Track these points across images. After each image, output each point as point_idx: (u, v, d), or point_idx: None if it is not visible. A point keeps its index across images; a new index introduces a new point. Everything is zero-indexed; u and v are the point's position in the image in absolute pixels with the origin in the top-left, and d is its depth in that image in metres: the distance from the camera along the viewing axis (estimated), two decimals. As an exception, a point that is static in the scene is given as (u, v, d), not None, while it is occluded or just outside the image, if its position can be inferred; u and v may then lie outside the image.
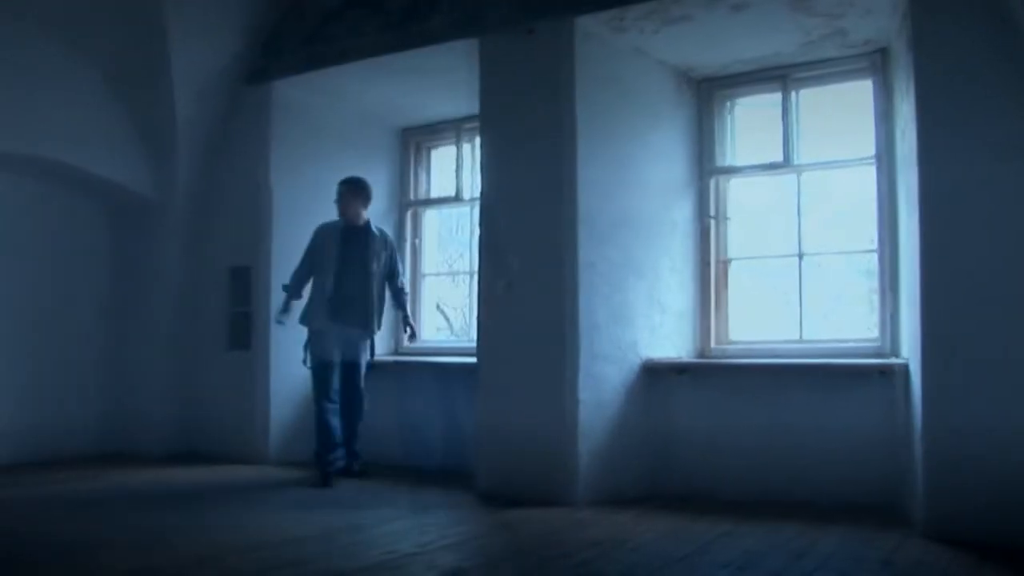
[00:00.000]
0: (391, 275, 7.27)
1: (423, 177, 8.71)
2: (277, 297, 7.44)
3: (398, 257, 7.41)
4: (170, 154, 7.95)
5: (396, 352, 8.45)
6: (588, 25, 6.17)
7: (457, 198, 8.29)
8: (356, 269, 7.08)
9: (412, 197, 8.64)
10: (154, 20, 7.32)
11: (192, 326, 8.17)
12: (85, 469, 7.33)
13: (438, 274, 8.70)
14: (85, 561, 4.47)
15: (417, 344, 8.38)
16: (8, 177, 7.64)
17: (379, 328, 7.20)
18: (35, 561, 4.44)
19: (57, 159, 7.54)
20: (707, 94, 6.99)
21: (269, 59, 7.89)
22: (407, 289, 7.50)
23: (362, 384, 7.13)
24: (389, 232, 7.49)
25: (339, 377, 6.98)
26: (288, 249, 7.57)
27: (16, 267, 7.73)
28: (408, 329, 7.46)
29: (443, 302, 8.65)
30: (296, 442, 7.54)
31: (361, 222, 7.18)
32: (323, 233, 7.13)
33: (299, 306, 7.09)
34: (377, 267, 7.12)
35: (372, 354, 7.23)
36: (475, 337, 6.64)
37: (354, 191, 7.16)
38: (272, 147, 7.84)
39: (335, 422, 6.92)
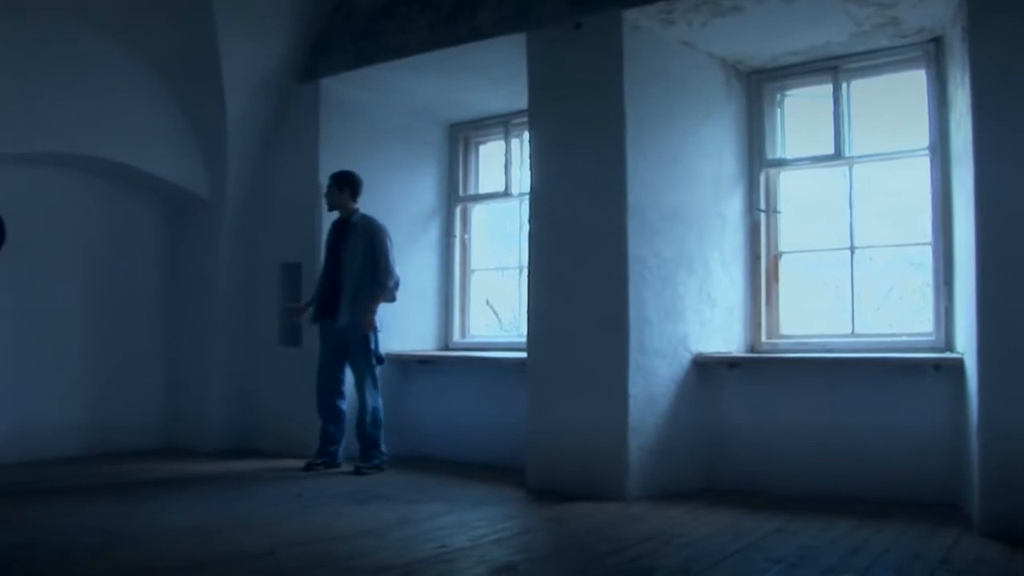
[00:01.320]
0: (373, 265, 7.16)
1: (472, 172, 8.73)
2: None
3: (380, 246, 7.16)
4: (222, 153, 8.06)
5: (445, 347, 8.49)
6: (636, 18, 6.15)
7: (506, 193, 8.30)
8: (335, 262, 7.23)
9: (461, 192, 8.67)
10: (205, 21, 7.41)
11: (245, 323, 8.27)
12: (143, 463, 7.45)
13: (487, 269, 8.71)
14: (140, 552, 4.53)
15: (466, 339, 8.44)
16: (69, 176, 7.81)
17: (350, 320, 7.06)
18: (92, 552, 4.51)
19: (115, 159, 7.70)
20: (757, 86, 6.94)
21: (319, 57, 7.95)
22: (385, 282, 7.12)
23: (364, 382, 7.12)
24: (381, 222, 7.32)
25: (343, 371, 7.25)
26: (338, 245, 7.69)
27: (79, 266, 7.91)
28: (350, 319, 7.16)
29: (492, 297, 8.66)
30: (347, 437, 7.59)
31: (348, 214, 7.27)
32: (329, 229, 7.38)
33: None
34: (351, 257, 7.13)
35: (370, 347, 7.13)
36: (524, 332, 6.65)
37: (337, 184, 7.28)
38: (322, 144, 7.89)
39: (324, 414, 7.23)
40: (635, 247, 6.09)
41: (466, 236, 8.64)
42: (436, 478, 6.80)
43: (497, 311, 8.62)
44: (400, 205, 8.19)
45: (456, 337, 8.53)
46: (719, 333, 6.60)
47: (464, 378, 7.80)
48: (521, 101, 6.86)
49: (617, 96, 6.13)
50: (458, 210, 8.65)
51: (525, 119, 7.04)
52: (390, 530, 5.04)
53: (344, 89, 7.92)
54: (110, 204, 8.15)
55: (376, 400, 7.15)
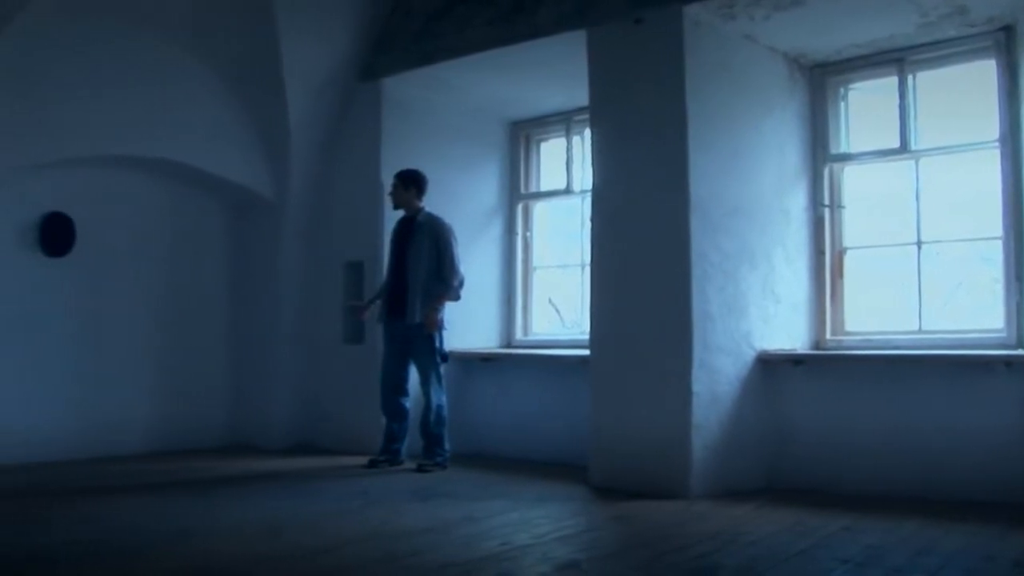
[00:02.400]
0: (438, 264, 7.19)
1: (533, 170, 8.74)
2: None
3: (446, 245, 7.19)
4: (285, 153, 8.15)
5: (508, 345, 8.50)
6: (697, 13, 6.10)
7: (567, 190, 8.29)
8: (401, 261, 7.25)
9: (523, 190, 8.68)
10: (268, 23, 7.50)
11: (310, 321, 8.36)
12: (208, 460, 7.57)
13: (549, 267, 8.71)
14: (207, 547, 4.60)
15: (529, 337, 8.44)
16: (136, 178, 7.97)
17: (418, 319, 7.07)
18: (161, 546, 4.59)
19: (181, 161, 7.85)
20: (820, 80, 6.85)
21: (379, 56, 8.01)
22: (451, 281, 7.15)
23: (429, 381, 7.14)
24: (447, 220, 7.35)
25: (407, 369, 7.28)
26: (401, 244, 7.76)
27: (146, 266, 8.06)
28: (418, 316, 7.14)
29: (554, 295, 8.65)
30: (410, 434, 7.64)
31: (414, 213, 7.29)
32: (394, 228, 7.41)
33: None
34: (417, 256, 7.15)
35: (435, 346, 7.16)
36: (587, 329, 6.64)
37: (402, 182, 7.30)
38: (384, 143, 7.94)
39: (388, 411, 7.29)
40: (698, 243, 6.05)
41: (528, 234, 8.65)
42: (499, 475, 6.82)
43: (559, 309, 8.62)
44: (462, 203, 8.21)
45: (519, 335, 8.54)
46: (783, 330, 6.54)
47: (526, 376, 7.81)
48: (582, 98, 6.84)
49: (678, 92, 6.09)
50: (520, 208, 8.66)
51: (586, 116, 7.03)
52: (453, 527, 5.06)
53: (405, 88, 7.96)
54: (176, 205, 8.30)
55: (440, 398, 7.18)
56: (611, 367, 6.35)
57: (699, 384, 5.98)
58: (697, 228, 6.05)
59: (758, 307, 6.39)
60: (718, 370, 6.11)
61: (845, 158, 6.82)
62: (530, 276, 8.63)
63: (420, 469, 7.01)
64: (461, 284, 7.24)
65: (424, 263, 7.15)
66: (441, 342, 7.19)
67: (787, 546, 4.56)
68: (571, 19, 6.68)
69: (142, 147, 7.58)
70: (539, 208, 8.72)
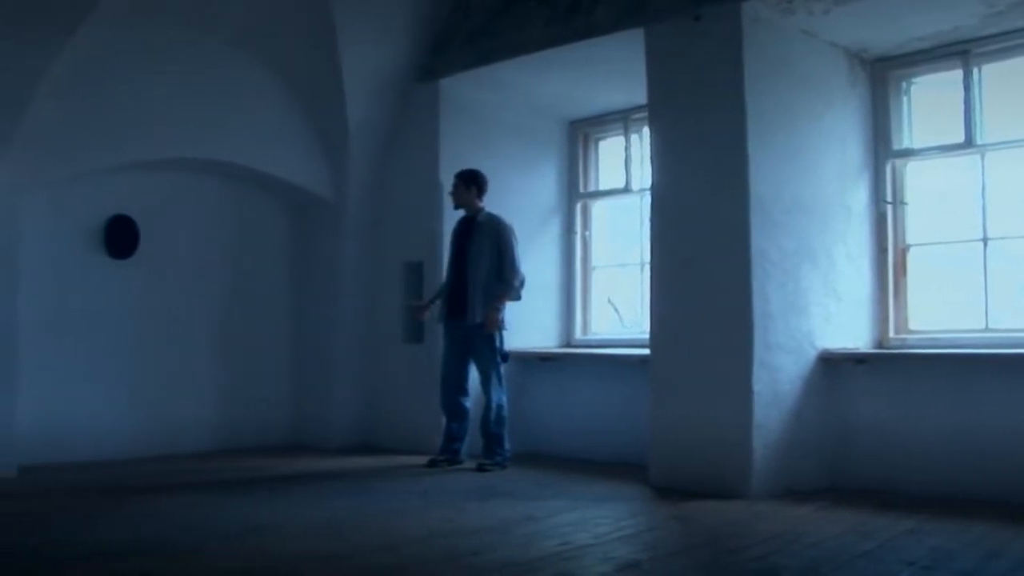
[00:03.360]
0: (499, 264, 7.19)
1: (592, 169, 8.72)
2: None
3: (506, 245, 7.20)
4: (345, 154, 8.23)
5: (567, 344, 8.50)
6: (755, 9, 6.05)
7: (626, 189, 8.26)
8: (461, 260, 7.27)
9: (581, 189, 8.66)
10: (326, 24, 7.59)
11: (370, 321, 8.42)
12: (270, 458, 7.66)
13: (608, 266, 8.69)
14: (269, 545, 4.66)
15: (588, 336, 8.43)
16: (198, 180, 8.11)
17: (479, 319, 7.10)
18: (225, 543, 4.66)
19: (241, 163, 7.97)
20: (881, 74, 6.76)
21: (437, 57, 8.05)
22: (512, 281, 7.16)
23: (490, 381, 7.16)
24: (508, 220, 7.35)
25: (467, 369, 7.30)
26: (459, 244, 7.80)
27: (208, 267, 8.20)
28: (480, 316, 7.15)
29: (613, 294, 8.63)
30: (470, 433, 7.66)
31: (474, 213, 7.31)
32: (454, 227, 7.42)
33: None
34: (479, 256, 7.16)
35: (495, 346, 7.18)
36: (646, 329, 6.61)
37: (463, 182, 7.32)
38: (442, 143, 7.99)
39: (448, 411, 7.30)
40: (758, 241, 6.00)
41: (587, 233, 8.64)
42: (558, 475, 6.81)
43: (618, 308, 8.59)
44: (521, 203, 8.23)
45: (578, 334, 8.54)
46: (845, 328, 6.46)
47: (586, 375, 7.80)
48: (640, 96, 6.82)
49: (737, 88, 6.04)
50: (579, 207, 8.65)
51: (645, 114, 7.01)
52: (513, 527, 5.07)
53: (463, 88, 7.99)
54: (237, 207, 8.42)
55: (501, 398, 7.19)
56: (671, 366, 6.32)
57: (760, 383, 5.93)
58: (757, 226, 6.00)
59: (819, 306, 6.33)
60: (779, 369, 6.05)
61: (908, 154, 6.72)
62: (589, 275, 8.62)
63: (480, 468, 7.03)
64: (522, 284, 7.25)
65: (485, 263, 7.17)
66: (501, 342, 7.20)
67: (850, 548, 4.51)
68: (629, 17, 6.66)
69: (204, 150, 7.71)
70: (598, 207, 8.70)
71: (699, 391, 6.13)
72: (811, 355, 6.25)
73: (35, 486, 6.31)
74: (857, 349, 6.44)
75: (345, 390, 8.36)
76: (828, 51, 6.51)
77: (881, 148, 6.74)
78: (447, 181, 7.68)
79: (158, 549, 4.56)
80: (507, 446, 7.21)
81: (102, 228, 7.59)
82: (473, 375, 7.34)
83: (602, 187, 8.66)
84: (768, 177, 6.08)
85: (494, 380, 7.17)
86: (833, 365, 6.32)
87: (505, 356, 7.24)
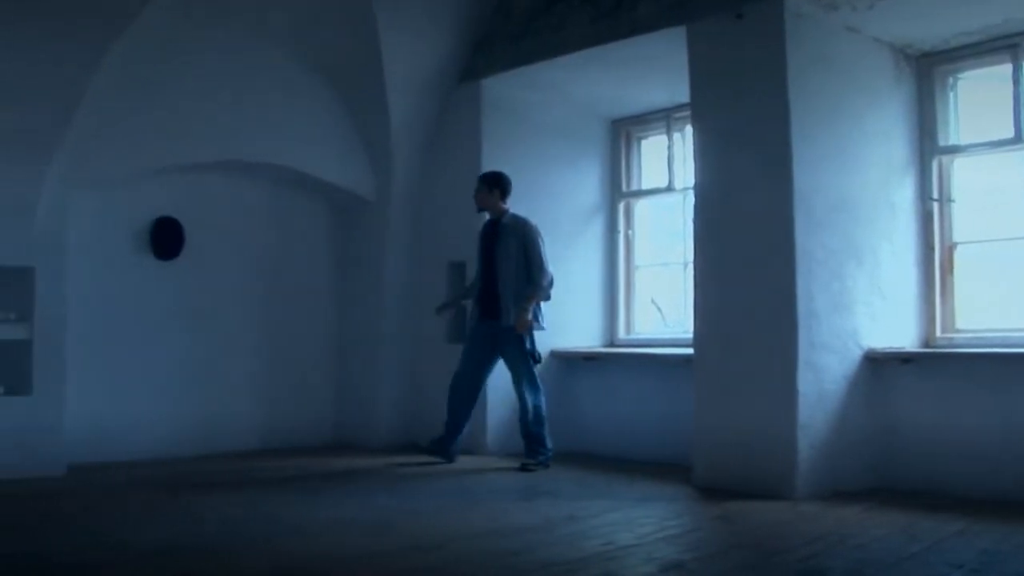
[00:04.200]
0: (527, 265, 7.19)
1: (634, 168, 8.69)
2: None
3: (533, 246, 7.19)
4: (387, 155, 8.27)
5: (610, 344, 8.48)
6: (798, 5, 6.00)
7: (669, 188, 8.23)
8: (490, 263, 7.29)
9: (624, 188, 8.64)
10: (368, 25, 7.62)
11: (413, 321, 8.45)
12: (315, 457, 7.71)
13: (651, 266, 8.65)
14: (314, 544, 4.69)
15: (631, 336, 8.41)
16: (242, 182, 8.17)
17: (513, 321, 7.10)
18: (267, 542, 4.69)
19: (285, 165, 8.03)
20: (927, 70, 6.68)
21: (479, 57, 8.06)
22: (540, 281, 7.15)
23: (522, 382, 7.16)
24: (533, 220, 7.33)
25: (486, 372, 7.36)
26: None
27: (253, 268, 8.26)
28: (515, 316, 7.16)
29: (656, 293, 8.60)
30: (514, 434, 7.68)
31: (499, 215, 7.32)
32: (480, 231, 7.46)
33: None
34: (506, 258, 7.18)
35: (527, 347, 7.17)
36: (689, 328, 6.59)
37: (487, 184, 7.35)
38: (484, 143, 8.00)
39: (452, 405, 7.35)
40: (802, 239, 5.95)
41: (630, 232, 8.61)
42: (602, 475, 6.81)
43: (661, 308, 8.56)
44: (563, 202, 8.24)
45: (621, 334, 8.51)
46: (891, 327, 6.39)
47: (629, 375, 7.78)
48: (683, 94, 6.80)
49: (781, 85, 6.00)
50: (621, 206, 8.63)
51: (687, 113, 7.00)
52: (556, 526, 5.07)
53: (505, 88, 8.00)
54: (281, 208, 8.48)
55: (537, 398, 7.18)
56: (715, 366, 6.29)
57: (805, 383, 5.88)
58: (801, 224, 5.95)
59: (865, 304, 6.26)
60: (824, 369, 6.00)
61: (954, 150, 6.63)
62: (632, 275, 8.59)
63: (523, 468, 7.03)
64: (551, 283, 7.25)
65: (512, 265, 7.18)
66: (532, 343, 7.20)
67: (897, 550, 4.46)
68: (671, 15, 6.64)
69: (248, 152, 7.79)
70: (640, 206, 8.67)
71: (743, 391, 6.09)
72: (856, 355, 6.19)
73: (82, 485, 6.40)
74: (903, 348, 6.36)
75: (388, 389, 8.39)
76: (872, 47, 6.45)
77: (927, 144, 6.65)
78: (476, 183, 7.72)
79: (200, 548, 4.61)
80: (549, 445, 7.21)
81: (148, 229, 7.69)
82: (498, 379, 7.37)
83: (645, 186, 8.63)
84: (812, 175, 6.03)
85: (526, 381, 7.17)
86: (879, 365, 6.25)
87: (537, 358, 7.23)
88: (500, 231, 7.29)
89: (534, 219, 7.30)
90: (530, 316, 7.14)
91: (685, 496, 6.00)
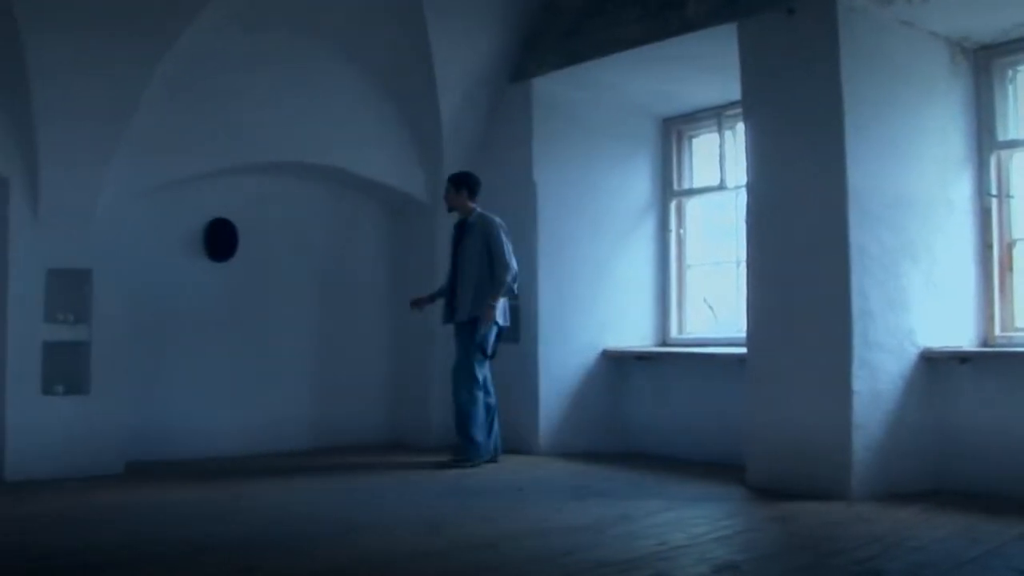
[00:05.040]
0: (491, 262, 7.23)
1: (686, 166, 8.64)
2: (545, 291, 7.85)
3: (495, 241, 7.23)
4: (438, 155, 8.29)
5: (663, 343, 8.44)
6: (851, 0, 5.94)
7: (721, 186, 8.16)
8: (455, 261, 7.40)
9: (675, 187, 8.59)
10: (418, 26, 7.65)
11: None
12: (369, 456, 7.75)
13: (703, 264, 8.59)
14: (366, 543, 4.72)
15: (684, 335, 8.36)
16: (295, 183, 8.26)
17: (465, 316, 7.22)
18: (320, 541, 4.72)
19: (337, 166, 8.08)
20: (985, 63, 6.56)
21: (529, 56, 8.06)
22: (503, 277, 7.16)
23: (459, 373, 7.22)
24: (498, 218, 7.41)
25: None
26: (554, 244, 7.81)
27: (308, 269, 8.34)
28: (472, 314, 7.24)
29: (708, 292, 8.54)
30: (566, 433, 7.68)
31: (467, 214, 7.41)
32: (452, 231, 7.56)
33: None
34: (470, 256, 7.25)
35: (477, 341, 7.19)
36: (742, 327, 6.53)
37: (453, 185, 7.46)
38: (535, 143, 8.00)
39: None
40: (856, 236, 5.87)
41: (681, 231, 8.55)
42: (654, 475, 6.77)
43: (713, 307, 8.50)
44: (614, 201, 8.22)
45: (673, 333, 8.46)
46: (948, 326, 6.28)
47: (682, 374, 7.73)
48: (734, 92, 6.74)
49: (834, 81, 5.92)
50: (673, 205, 8.57)
51: (739, 110, 6.94)
52: (609, 526, 5.05)
53: (555, 87, 7.99)
54: (333, 209, 8.54)
55: (468, 394, 7.21)
56: (768, 365, 6.23)
57: (860, 383, 5.80)
58: (855, 221, 5.87)
59: (921, 303, 6.16)
60: (879, 368, 5.91)
61: (1014, 145, 6.50)
62: (684, 274, 8.53)
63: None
64: (514, 278, 7.29)
65: (475, 263, 7.25)
66: (485, 338, 7.21)
67: (957, 553, 4.38)
68: (722, 12, 6.59)
69: (300, 153, 7.85)
70: (692, 204, 8.61)
71: (797, 390, 6.03)
72: (912, 354, 6.09)
73: (140, 483, 6.49)
74: (961, 348, 6.25)
75: (441, 389, 8.38)
76: (927, 40, 6.34)
77: (985, 139, 6.54)
78: (541, 180, 7.72)
79: (258, 546, 4.65)
80: (478, 441, 7.21)
81: (202, 231, 7.79)
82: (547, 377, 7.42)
83: (696, 184, 8.57)
84: (866, 171, 5.94)
85: (463, 374, 7.20)
86: (936, 364, 6.15)
87: (488, 352, 7.27)
88: (466, 231, 7.36)
89: (583, 218, 7.29)
90: (497, 313, 7.18)
91: (739, 496, 5.96)
